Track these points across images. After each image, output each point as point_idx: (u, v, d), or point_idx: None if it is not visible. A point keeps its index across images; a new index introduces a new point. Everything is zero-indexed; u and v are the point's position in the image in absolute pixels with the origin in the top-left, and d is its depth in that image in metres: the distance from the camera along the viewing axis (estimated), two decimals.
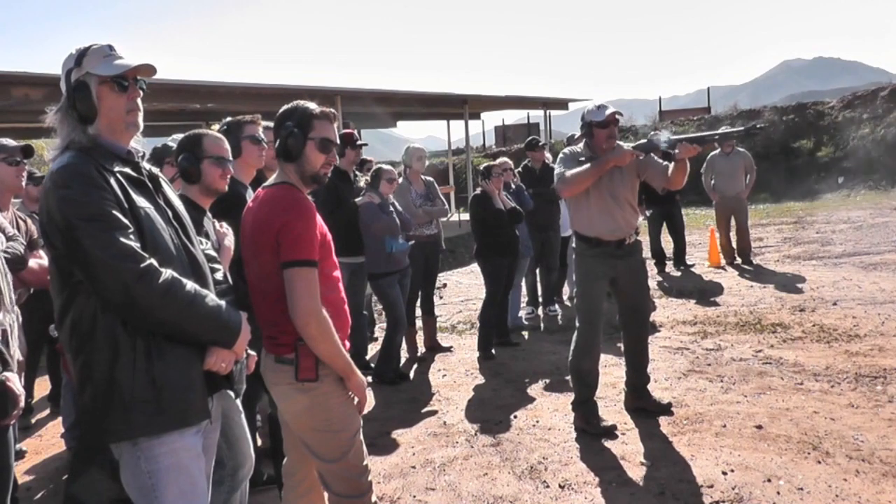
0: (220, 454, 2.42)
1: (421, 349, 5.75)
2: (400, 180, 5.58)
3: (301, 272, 2.04)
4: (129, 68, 1.78)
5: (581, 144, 3.93)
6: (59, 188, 1.66)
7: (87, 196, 1.65)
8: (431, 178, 5.83)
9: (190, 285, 1.74)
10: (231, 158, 2.70)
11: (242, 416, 2.53)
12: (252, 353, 2.44)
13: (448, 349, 5.74)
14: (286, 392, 2.17)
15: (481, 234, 5.51)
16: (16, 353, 2.17)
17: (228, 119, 3.13)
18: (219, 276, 2.16)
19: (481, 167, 5.72)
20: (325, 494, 2.34)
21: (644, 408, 3.98)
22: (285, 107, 2.24)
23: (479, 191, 5.56)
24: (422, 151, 5.65)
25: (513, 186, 6.11)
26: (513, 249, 5.53)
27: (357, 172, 5.23)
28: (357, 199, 4.85)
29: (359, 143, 5.02)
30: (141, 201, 1.76)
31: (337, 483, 2.23)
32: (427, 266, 5.55)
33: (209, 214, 2.62)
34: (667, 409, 3.94)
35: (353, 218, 4.80)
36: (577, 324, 3.90)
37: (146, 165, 1.89)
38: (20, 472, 3.82)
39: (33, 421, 4.84)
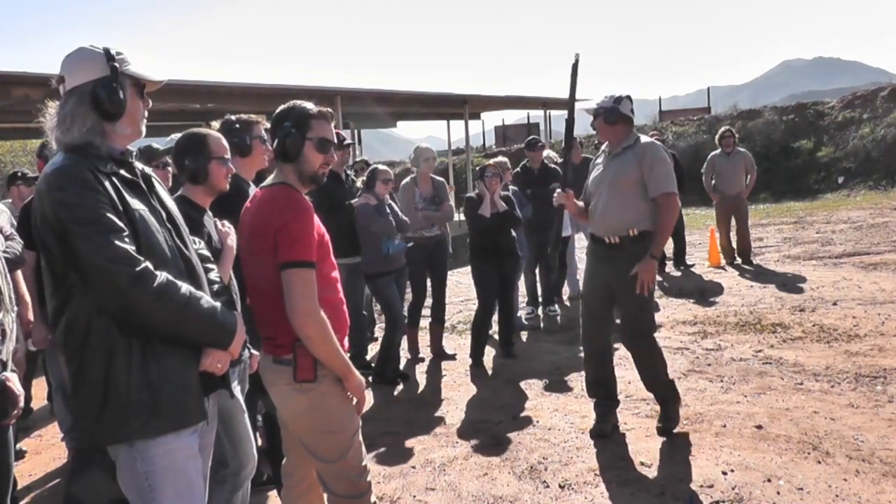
0: (223, 453, 2.42)
1: (424, 353, 5.65)
2: (406, 179, 5.55)
3: (299, 273, 2.03)
4: (165, 80, 1.88)
5: None
6: (54, 191, 1.65)
7: (81, 199, 1.64)
8: (442, 180, 5.71)
9: (185, 287, 1.74)
10: (230, 157, 2.69)
11: (246, 415, 2.53)
12: (255, 352, 2.44)
13: (452, 357, 5.57)
14: (285, 393, 2.17)
15: (469, 237, 5.37)
16: (10, 353, 2.16)
17: (240, 116, 3.10)
18: (213, 276, 2.15)
19: (478, 168, 5.61)
20: (325, 495, 2.34)
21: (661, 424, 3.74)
22: (282, 107, 2.22)
23: (474, 193, 5.38)
24: (429, 152, 5.52)
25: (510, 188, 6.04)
26: (501, 254, 5.27)
27: (348, 172, 5.21)
28: (353, 201, 4.84)
29: (346, 143, 4.99)
30: (135, 203, 1.75)
31: (336, 483, 2.23)
32: (432, 269, 5.41)
33: (209, 213, 2.62)
34: (665, 429, 3.69)
35: (349, 218, 4.79)
36: None
37: (139, 165, 1.88)
38: (20, 472, 3.82)
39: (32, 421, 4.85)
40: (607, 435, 3.72)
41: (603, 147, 3.86)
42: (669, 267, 8.51)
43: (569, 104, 3.87)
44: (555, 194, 3.89)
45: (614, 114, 3.64)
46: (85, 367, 1.69)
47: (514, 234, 5.44)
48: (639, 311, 3.61)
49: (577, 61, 3.76)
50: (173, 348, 1.75)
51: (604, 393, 3.81)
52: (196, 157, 2.53)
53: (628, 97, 3.68)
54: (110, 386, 1.68)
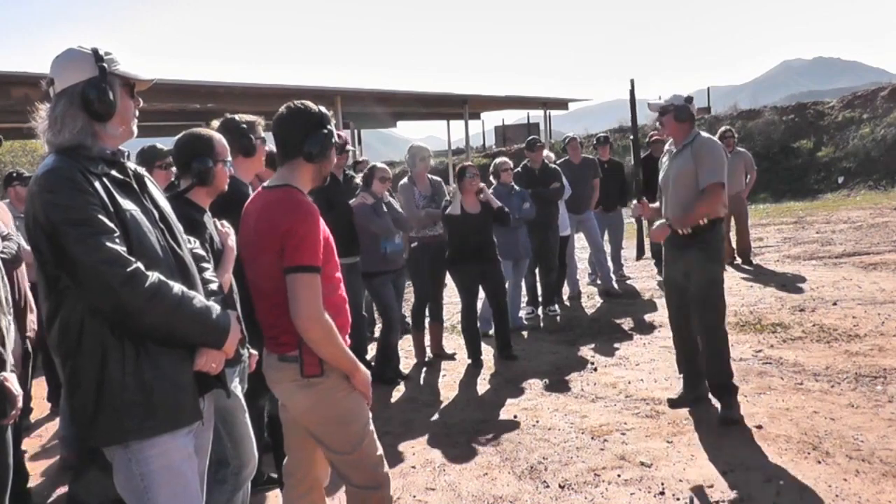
0: (224, 453, 2.42)
1: (427, 355, 5.61)
2: (404, 180, 5.52)
3: (304, 278, 2.02)
4: (155, 79, 1.85)
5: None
6: (45, 192, 1.64)
7: (72, 200, 1.63)
8: (439, 179, 5.66)
9: (177, 287, 1.73)
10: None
11: (247, 415, 2.53)
12: (254, 351, 2.44)
13: (452, 356, 5.56)
14: (290, 390, 2.16)
15: (449, 239, 5.28)
16: (9, 354, 2.16)
17: (243, 117, 3.09)
18: (207, 275, 2.14)
19: (457, 168, 5.52)
20: (325, 496, 2.34)
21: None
22: (309, 110, 2.17)
23: (450, 196, 5.28)
24: (424, 151, 5.48)
25: (515, 188, 6.02)
26: (481, 258, 5.20)
27: (348, 172, 5.20)
28: (351, 201, 4.82)
29: (348, 149, 4.99)
30: (127, 204, 1.74)
31: (354, 474, 2.22)
32: (433, 268, 5.37)
33: (209, 213, 2.61)
34: (726, 418, 3.74)
35: (346, 217, 4.77)
36: None
37: (131, 165, 1.87)
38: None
39: (32, 421, 4.84)
40: (685, 405, 3.97)
41: (667, 146, 4.14)
42: None
43: (632, 124, 4.48)
44: (631, 206, 4.27)
45: (685, 112, 3.87)
46: (79, 368, 1.68)
47: (494, 238, 5.38)
48: (706, 294, 3.82)
49: (633, 87, 4.26)
50: (167, 348, 1.74)
51: (689, 368, 4.07)
52: (203, 159, 2.52)
53: (692, 98, 3.97)
54: (104, 387, 1.67)
